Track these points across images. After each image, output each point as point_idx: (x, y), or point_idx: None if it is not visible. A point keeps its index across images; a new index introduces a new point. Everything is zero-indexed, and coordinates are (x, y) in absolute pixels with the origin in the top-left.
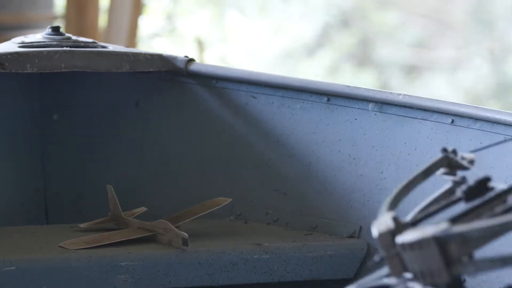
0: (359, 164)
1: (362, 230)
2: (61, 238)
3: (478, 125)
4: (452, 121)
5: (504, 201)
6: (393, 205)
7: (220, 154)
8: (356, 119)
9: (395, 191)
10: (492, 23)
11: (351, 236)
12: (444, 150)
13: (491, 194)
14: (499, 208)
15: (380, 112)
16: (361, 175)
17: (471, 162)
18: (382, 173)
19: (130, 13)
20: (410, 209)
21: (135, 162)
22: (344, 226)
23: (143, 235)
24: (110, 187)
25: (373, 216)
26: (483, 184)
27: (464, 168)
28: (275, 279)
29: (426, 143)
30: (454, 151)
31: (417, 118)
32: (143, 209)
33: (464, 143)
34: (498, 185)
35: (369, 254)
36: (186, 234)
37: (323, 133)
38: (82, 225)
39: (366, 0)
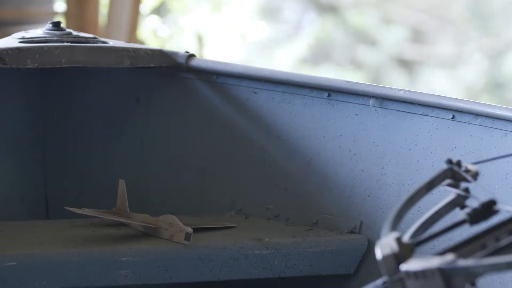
0: (359, 159)
1: (362, 226)
2: (62, 234)
3: (479, 120)
4: (453, 117)
5: (510, 231)
6: (397, 221)
7: (221, 149)
8: (356, 114)
9: (398, 206)
10: (490, 19)
11: (352, 232)
12: (449, 161)
13: (496, 220)
14: (504, 239)
15: (381, 107)
16: (362, 171)
17: (475, 175)
18: (382, 168)
19: (130, 8)
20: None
21: (136, 157)
22: (344, 221)
23: (147, 224)
24: (122, 182)
25: (374, 211)
26: (488, 207)
27: (468, 181)
28: (275, 274)
29: (426, 139)
30: (459, 163)
31: (418, 114)
32: (147, 216)
33: (464, 139)
34: (503, 207)
35: (369, 250)
36: (190, 229)
37: (323, 129)
38: (86, 209)
39: None
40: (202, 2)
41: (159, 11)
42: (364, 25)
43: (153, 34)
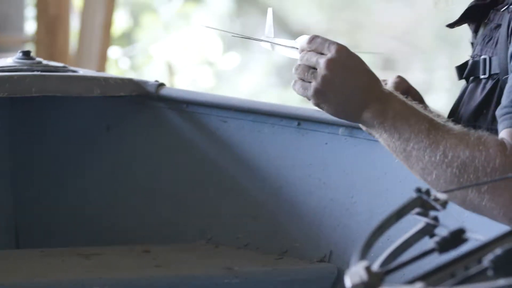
0: (329, 188)
1: (332, 255)
2: (31, 263)
3: None
4: None
5: (479, 260)
6: (366, 250)
7: (191, 178)
8: (326, 143)
9: (367, 235)
10: (459, 45)
11: (322, 261)
12: (418, 190)
13: (465, 249)
14: (473, 268)
15: (350, 136)
16: (332, 200)
17: (444, 203)
18: (352, 197)
19: (100, 36)
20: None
21: (107, 186)
22: (314, 250)
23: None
24: (270, 10)
25: (344, 240)
26: (457, 236)
27: (437, 209)
28: None
29: (396, 168)
30: (428, 192)
31: None
32: None
33: None
34: (472, 235)
35: (339, 279)
36: None
37: (293, 158)
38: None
39: (337, 23)
40: (172, 31)
41: (128, 39)
42: None
43: (119, 64)
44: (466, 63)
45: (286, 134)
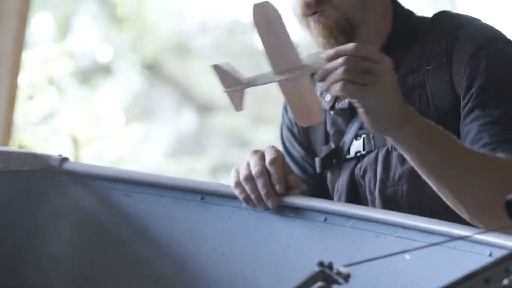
0: (233, 262)
1: None
2: None
3: (351, 222)
4: (325, 219)
5: None
6: None
7: (95, 252)
8: (230, 217)
9: None
10: None
11: None
12: (321, 264)
13: None
14: None
15: (254, 210)
16: (235, 273)
17: (347, 277)
18: (255, 271)
19: (4, 110)
20: None
21: (7, 263)
22: None
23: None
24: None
25: None
26: None
27: (340, 283)
28: None
29: (299, 241)
30: (330, 265)
31: (290, 217)
32: None
33: (337, 241)
34: None
35: None
36: None
37: (197, 231)
38: None
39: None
40: (76, 104)
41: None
42: (237, 125)
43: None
44: (334, 150)
45: (189, 208)
